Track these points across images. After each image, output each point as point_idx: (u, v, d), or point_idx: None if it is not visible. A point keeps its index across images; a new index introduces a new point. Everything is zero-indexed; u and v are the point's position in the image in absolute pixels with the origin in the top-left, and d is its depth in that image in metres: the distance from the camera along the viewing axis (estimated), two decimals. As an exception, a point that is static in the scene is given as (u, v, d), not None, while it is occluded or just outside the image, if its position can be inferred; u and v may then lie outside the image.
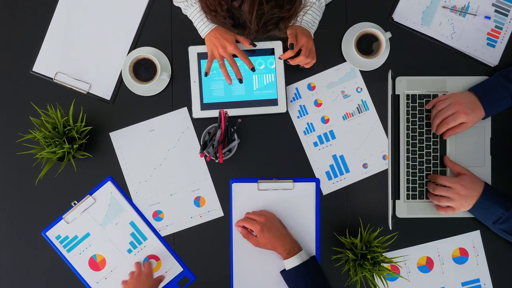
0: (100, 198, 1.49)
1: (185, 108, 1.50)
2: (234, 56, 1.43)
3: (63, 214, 1.49)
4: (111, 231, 1.50)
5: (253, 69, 1.42)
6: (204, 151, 1.42)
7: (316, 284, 1.39)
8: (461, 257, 1.49)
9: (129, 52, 1.50)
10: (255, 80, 1.49)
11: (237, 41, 1.41)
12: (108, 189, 1.49)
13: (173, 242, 1.50)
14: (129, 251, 1.50)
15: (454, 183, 1.41)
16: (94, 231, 1.49)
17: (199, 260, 1.50)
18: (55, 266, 1.50)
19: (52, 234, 1.49)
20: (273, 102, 1.49)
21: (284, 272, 1.43)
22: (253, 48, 1.43)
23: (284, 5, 1.12)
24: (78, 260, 1.50)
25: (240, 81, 1.44)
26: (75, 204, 1.49)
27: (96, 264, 1.50)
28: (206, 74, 1.44)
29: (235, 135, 1.45)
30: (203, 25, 1.40)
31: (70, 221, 1.49)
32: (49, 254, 1.49)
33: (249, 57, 1.43)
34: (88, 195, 1.49)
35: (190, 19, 1.43)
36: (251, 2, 1.09)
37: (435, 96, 1.49)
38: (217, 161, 1.45)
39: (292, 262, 1.40)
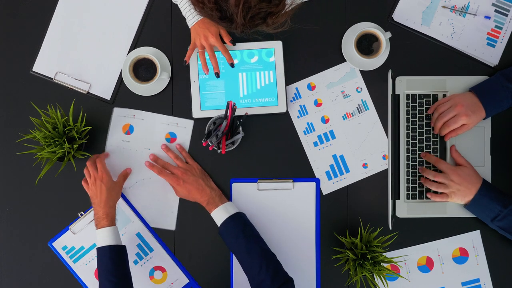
0: None
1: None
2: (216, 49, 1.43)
3: (69, 224, 1.48)
4: None
5: (232, 65, 1.43)
6: (208, 140, 1.42)
7: (248, 235, 1.36)
8: (461, 257, 1.49)
9: (129, 52, 1.50)
10: (254, 78, 1.49)
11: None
12: None
13: (173, 249, 1.49)
14: (135, 262, 1.48)
15: (451, 170, 1.41)
16: None
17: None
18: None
19: (58, 244, 1.48)
20: (273, 102, 1.49)
21: (219, 233, 1.40)
22: (232, 45, 1.43)
23: (272, 0, 1.11)
24: (84, 270, 1.48)
25: (217, 75, 1.44)
26: (81, 215, 1.48)
27: None
28: (185, 63, 1.45)
29: (240, 128, 1.44)
30: (190, 15, 1.41)
31: (77, 232, 1.48)
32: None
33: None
34: None
35: (179, 8, 1.43)
36: None
37: (435, 96, 1.49)
38: (219, 151, 1.45)
39: (218, 216, 1.38)
